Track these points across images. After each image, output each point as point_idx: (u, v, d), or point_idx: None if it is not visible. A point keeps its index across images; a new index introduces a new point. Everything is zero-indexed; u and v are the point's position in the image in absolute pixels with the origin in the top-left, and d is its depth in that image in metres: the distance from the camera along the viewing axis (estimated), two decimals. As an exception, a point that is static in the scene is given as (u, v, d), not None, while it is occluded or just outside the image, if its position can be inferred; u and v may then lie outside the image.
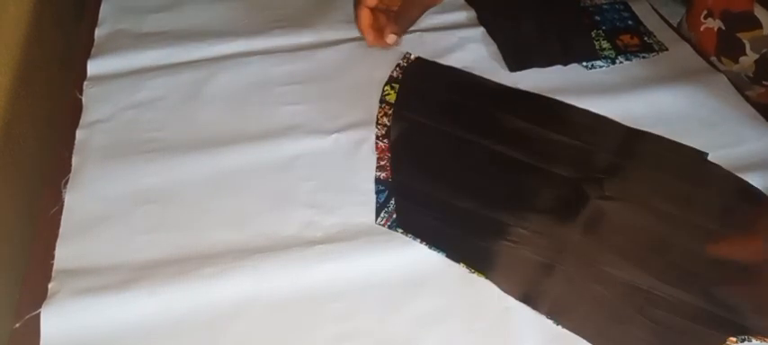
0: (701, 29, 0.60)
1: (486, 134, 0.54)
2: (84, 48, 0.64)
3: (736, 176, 0.50)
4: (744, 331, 0.41)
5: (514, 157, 0.52)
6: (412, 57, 0.62)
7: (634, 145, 0.52)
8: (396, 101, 0.57)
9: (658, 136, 0.53)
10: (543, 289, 0.43)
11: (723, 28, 0.60)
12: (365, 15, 0.60)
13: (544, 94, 0.58)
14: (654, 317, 0.42)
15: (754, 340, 0.41)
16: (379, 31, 0.61)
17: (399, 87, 0.59)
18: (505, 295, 0.44)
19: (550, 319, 0.42)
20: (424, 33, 0.65)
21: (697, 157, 0.52)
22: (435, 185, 0.49)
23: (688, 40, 0.64)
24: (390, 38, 0.58)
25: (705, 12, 0.60)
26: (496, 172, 0.50)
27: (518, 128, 0.55)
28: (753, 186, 0.49)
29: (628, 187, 0.48)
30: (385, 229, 0.47)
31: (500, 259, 0.44)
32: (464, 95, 0.58)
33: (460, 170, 0.51)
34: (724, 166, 0.51)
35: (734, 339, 0.41)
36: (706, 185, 0.49)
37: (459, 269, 0.45)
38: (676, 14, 0.69)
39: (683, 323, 0.42)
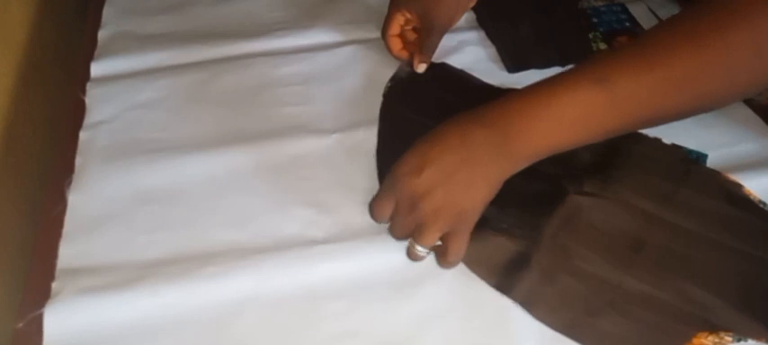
0: None
1: None
2: (86, 49, 0.65)
3: (724, 177, 0.50)
4: (713, 327, 0.41)
5: None
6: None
7: (619, 143, 0.51)
8: (384, 95, 0.58)
9: (644, 135, 0.53)
10: (517, 279, 0.44)
11: None
12: (394, 43, 0.61)
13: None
14: (623, 311, 0.42)
15: (750, 341, 0.41)
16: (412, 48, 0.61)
17: (390, 85, 0.59)
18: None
19: (523, 308, 0.43)
20: (423, 35, 0.66)
21: (683, 157, 0.52)
22: None
23: None
24: (421, 67, 0.59)
25: None
26: None
27: None
28: (739, 188, 0.49)
29: (608, 184, 0.49)
30: (385, 228, 0.47)
31: (476, 247, 0.44)
32: (449, 91, 0.59)
33: None
34: (722, 166, 0.52)
35: (705, 333, 0.41)
36: (689, 185, 0.50)
37: (459, 268, 0.45)
38: (673, 16, 0.70)
39: (652, 318, 0.42)
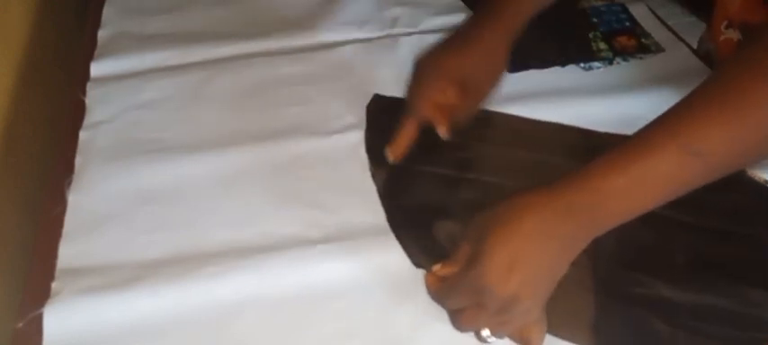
0: (721, 39, 0.60)
1: (471, 168, 0.52)
2: (86, 49, 0.65)
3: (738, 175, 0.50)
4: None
5: (508, 185, 0.50)
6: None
7: None
8: (367, 149, 0.54)
9: None
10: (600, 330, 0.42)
11: (742, 39, 0.59)
12: (412, 129, 0.51)
13: (540, 97, 0.58)
14: (689, 328, 0.40)
15: None
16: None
17: (367, 134, 0.55)
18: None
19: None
20: (423, 36, 0.66)
21: None
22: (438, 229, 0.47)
23: (707, 55, 0.63)
24: (442, 131, 0.52)
25: (725, 22, 0.59)
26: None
27: (502, 155, 0.53)
28: (749, 175, 0.49)
29: None
30: (384, 229, 0.47)
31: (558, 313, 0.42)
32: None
33: (460, 209, 0.48)
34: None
35: None
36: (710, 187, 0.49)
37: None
38: (673, 16, 0.70)
39: (719, 331, 0.40)
